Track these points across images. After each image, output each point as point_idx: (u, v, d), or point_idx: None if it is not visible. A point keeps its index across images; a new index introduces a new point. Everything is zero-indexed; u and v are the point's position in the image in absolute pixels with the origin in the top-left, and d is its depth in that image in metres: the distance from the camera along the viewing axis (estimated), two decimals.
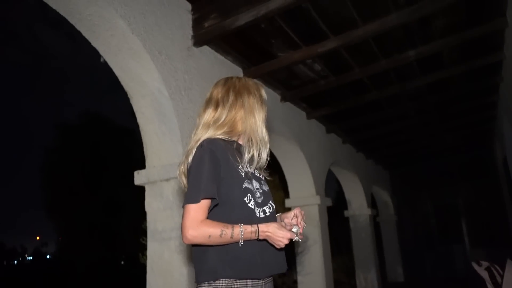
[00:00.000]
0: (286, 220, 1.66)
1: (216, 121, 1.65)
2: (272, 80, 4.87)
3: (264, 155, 1.69)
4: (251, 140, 1.65)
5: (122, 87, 3.44)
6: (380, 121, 6.87)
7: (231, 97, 1.67)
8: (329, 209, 6.40)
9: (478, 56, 4.83)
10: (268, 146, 1.71)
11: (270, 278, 1.62)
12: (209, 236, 1.44)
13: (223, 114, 1.65)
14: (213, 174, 1.51)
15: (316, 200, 5.89)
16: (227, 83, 1.74)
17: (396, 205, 10.92)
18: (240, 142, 1.69)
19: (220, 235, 1.45)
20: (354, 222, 8.75)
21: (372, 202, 9.85)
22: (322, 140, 6.65)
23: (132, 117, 3.61)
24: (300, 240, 1.56)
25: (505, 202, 9.13)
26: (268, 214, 1.61)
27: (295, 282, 6.22)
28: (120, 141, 17.66)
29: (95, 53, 3.26)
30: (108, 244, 16.71)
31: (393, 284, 10.21)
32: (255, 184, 1.63)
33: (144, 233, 3.52)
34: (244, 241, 1.48)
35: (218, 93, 1.71)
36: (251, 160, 1.66)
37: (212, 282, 1.49)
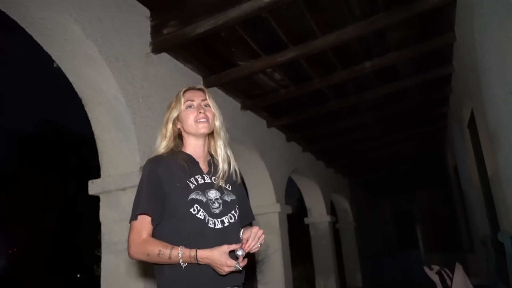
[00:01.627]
0: (244, 236, 1.57)
1: (163, 136, 1.72)
2: (233, 88, 4.87)
3: (221, 164, 1.70)
4: (191, 145, 1.73)
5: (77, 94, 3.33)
6: (339, 130, 7.02)
7: (166, 114, 1.75)
8: (290, 217, 6.44)
9: (430, 68, 5.06)
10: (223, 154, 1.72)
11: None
12: (148, 254, 1.48)
13: (161, 130, 1.74)
14: (150, 191, 1.55)
15: (277, 208, 5.92)
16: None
17: (355, 212, 11.16)
18: (189, 152, 1.73)
19: (158, 255, 1.46)
20: (314, 229, 8.85)
21: (332, 210, 10.02)
22: (283, 148, 6.71)
23: (89, 125, 3.49)
24: (240, 268, 1.45)
25: (456, 209, 9.54)
26: (227, 224, 1.59)
27: None
28: (77, 149, 17.07)
29: (51, 58, 3.14)
30: (64, 256, 16.03)
31: None
32: (213, 194, 1.62)
33: (100, 244, 3.40)
34: (187, 263, 1.47)
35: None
36: (209, 168, 1.68)
37: None
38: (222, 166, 1.71)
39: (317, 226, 8.80)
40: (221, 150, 1.73)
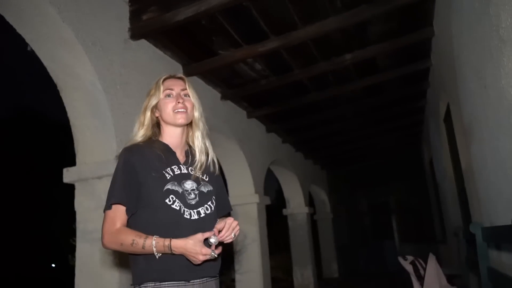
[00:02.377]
0: (216, 227, 1.53)
1: (140, 124, 1.68)
2: (213, 77, 4.83)
3: (198, 155, 1.68)
4: (167, 132, 1.70)
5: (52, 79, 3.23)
6: (319, 122, 7.06)
7: (144, 103, 1.71)
8: (269, 208, 6.48)
9: (408, 62, 5.12)
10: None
11: (205, 279, 1.56)
12: (121, 244, 1.46)
13: (139, 118, 1.70)
14: (125, 181, 1.53)
15: (255, 198, 5.93)
16: None
17: (332, 203, 11.30)
18: (164, 141, 1.70)
19: (131, 244, 1.44)
20: (293, 220, 8.94)
21: (310, 201, 10.11)
22: (262, 139, 6.71)
23: (65, 111, 3.40)
24: (216, 256, 1.43)
25: (430, 201, 9.78)
26: (203, 215, 1.58)
27: (233, 280, 6.22)
28: (53, 136, 16.68)
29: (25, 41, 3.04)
30: (38, 246, 15.73)
31: (328, 280, 10.56)
32: (189, 185, 1.60)
33: (75, 233, 3.34)
34: (162, 254, 1.45)
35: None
36: (186, 158, 1.66)
37: (138, 286, 1.50)
38: (199, 157, 1.69)
39: (295, 217, 8.89)
40: (198, 141, 1.71)
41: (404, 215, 11.96)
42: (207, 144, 1.73)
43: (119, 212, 1.51)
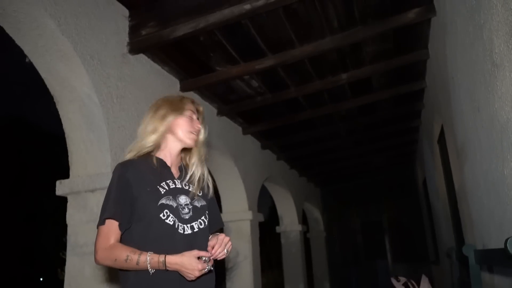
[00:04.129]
0: (209, 243, 1.58)
1: (155, 130, 1.69)
2: (209, 93, 4.86)
3: (195, 169, 1.71)
4: (166, 151, 1.73)
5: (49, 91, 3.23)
6: (313, 139, 7.09)
7: (144, 120, 1.74)
8: (262, 225, 6.44)
9: (403, 83, 5.19)
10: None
11: None
12: (115, 260, 1.45)
13: (137, 134, 1.73)
14: (119, 196, 1.54)
15: (248, 215, 5.90)
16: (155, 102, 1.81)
17: (326, 221, 11.26)
18: (162, 157, 1.72)
19: (126, 260, 1.43)
20: (285, 238, 8.88)
21: (303, 218, 10.08)
22: (257, 155, 6.72)
23: (59, 123, 3.39)
24: (212, 268, 1.49)
25: (423, 221, 9.78)
26: (196, 230, 1.59)
27: None
28: (46, 148, 16.56)
29: (23, 53, 3.04)
30: (28, 259, 15.46)
31: None
32: (183, 200, 1.61)
33: (65, 247, 3.29)
34: (155, 269, 1.45)
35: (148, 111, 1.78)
36: (180, 175, 1.68)
37: None
38: (194, 171, 1.73)
39: (288, 235, 8.84)
40: (195, 161, 1.76)
41: (397, 234, 11.92)
42: (205, 170, 1.79)
43: (113, 228, 1.50)
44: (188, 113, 1.74)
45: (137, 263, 1.42)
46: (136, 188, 1.56)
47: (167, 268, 1.43)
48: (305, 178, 9.82)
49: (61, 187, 3.17)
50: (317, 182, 10.85)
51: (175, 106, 1.74)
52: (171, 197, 1.59)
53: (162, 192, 1.58)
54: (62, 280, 3.15)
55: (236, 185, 5.93)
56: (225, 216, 6.04)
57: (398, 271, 10.50)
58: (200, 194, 1.71)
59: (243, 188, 5.93)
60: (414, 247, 10.86)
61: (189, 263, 1.41)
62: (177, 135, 1.71)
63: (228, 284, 5.85)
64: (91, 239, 3.03)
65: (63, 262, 3.53)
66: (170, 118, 1.70)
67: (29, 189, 15.82)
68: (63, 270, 3.31)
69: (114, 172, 1.61)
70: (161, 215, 1.53)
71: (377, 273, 11.66)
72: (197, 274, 1.42)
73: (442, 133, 4.70)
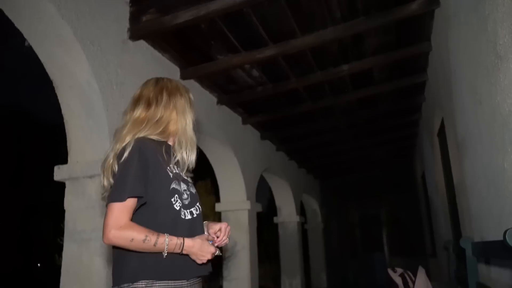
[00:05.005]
0: (211, 231, 1.64)
1: (149, 120, 1.61)
2: (209, 82, 4.83)
3: (193, 157, 1.71)
4: (182, 141, 1.66)
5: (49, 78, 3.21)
6: (313, 131, 7.07)
7: (165, 98, 1.67)
8: (260, 215, 6.45)
9: (404, 76, 5.16)
10: (195, 148, 1.73)
11: (198, 279, 1.59)
12: (132, 239, 1.38)
13: (157, 113, 1.63)
14: (140, 174, 1.47)
15: (247, 205, 5.91)
16: (159, 83, 1.73)
17: (324, 213, 11.29)
18: (170, 143, 1.68)
19: (144, 241, 1.39)
20: (283, 228, 8.91)
21: (301, 210, 10.10)
22: (256, 146, 6.70)
23: (58, 110, 3.38)
24: (221, 254, 1.61)
25: (421, 214, 9.80)
26: (195, 215, 1.60)
27: (221, 287, 6.17)
28: (44, 136, 16.53)
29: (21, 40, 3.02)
30: (25, 245, 15.52)
31: None
32: (183, 186, 1.61)
33: (63, 233, 3.30)
34: (168, 252, 1.44)
35: (149, 92, 1.70)
36: (180, 161, 1.66)
37: (131, 284, 1.44)
38: (185, 158, 1.68)
39: (286, 226, 8.86)
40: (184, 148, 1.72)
41: (395, 228, 11.97)
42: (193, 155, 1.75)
43: (129, 207, 1.43)
44: (193, 114, 1.75)
45: (155, 245, 1.39)
46: (152, 170, 1.51)
47: (183, 252, 1.45)
48: (304, 170, 9.82)
49: (60, 172, 3.16)
50: (316, 174, 10.86)
51: (189, 102, 1.73)
52: (177, 182, 1.58)
53: (171, 176, 1.57)
54: (60, 266, 3.16)
55: (235, 175, 5.92)
56: (223, 206, 6.06)
57: (395, 264, 10.56)
58: (191, 182, 1.72)
59: (242, 178, 5.92)
60: (411, 240, 10.91)
61: (205, 246, 1.49)
62: (181, 134, 1.67)
63: (225, 273, 5.88)
64: (89, 226, 3.05)
65: (60, 248, 3.54)
66: (189, 121, 1.69)
67: (27, 176, 15.83)
68: (60, 256, 3.31)
69: (133, 149, 1.50)
70: (172, 199, 1.52)
71: (374, 266, 11.73)
72: (210, 257, 1.50)
73: (442, 127, 4.69)
